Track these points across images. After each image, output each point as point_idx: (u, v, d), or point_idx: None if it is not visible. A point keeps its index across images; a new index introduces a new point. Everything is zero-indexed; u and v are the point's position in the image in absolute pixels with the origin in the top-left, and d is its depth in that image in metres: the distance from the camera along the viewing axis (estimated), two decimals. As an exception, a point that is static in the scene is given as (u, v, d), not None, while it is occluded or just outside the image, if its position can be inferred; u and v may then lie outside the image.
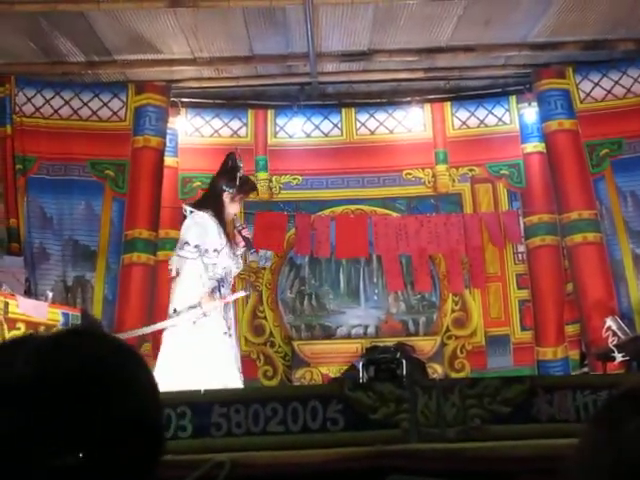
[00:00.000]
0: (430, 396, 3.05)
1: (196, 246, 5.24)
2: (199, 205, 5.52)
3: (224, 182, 5.47)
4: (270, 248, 7.82)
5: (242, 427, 3.02)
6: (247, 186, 5.60)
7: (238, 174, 5.50)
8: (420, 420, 3.01)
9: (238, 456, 2.88)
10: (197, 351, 5.10)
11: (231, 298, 5.49)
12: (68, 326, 6.18)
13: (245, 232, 5.54)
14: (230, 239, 5.48)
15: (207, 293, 5.24)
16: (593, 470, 1.06)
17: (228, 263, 5.43)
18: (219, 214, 5.42)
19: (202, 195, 5.87)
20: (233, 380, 5.12)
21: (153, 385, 1.14)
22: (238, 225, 5.58)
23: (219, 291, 5.33)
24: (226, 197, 5.43)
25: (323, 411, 3.03)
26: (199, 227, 5.35)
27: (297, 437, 3.00)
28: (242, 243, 5.50)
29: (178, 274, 5.35)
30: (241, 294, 5.74)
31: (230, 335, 5.33)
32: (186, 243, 5.28)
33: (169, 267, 5.52)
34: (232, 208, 5.47)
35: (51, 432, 0.98)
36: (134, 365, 1.13)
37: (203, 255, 5.28)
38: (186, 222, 5.45)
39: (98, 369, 1.06)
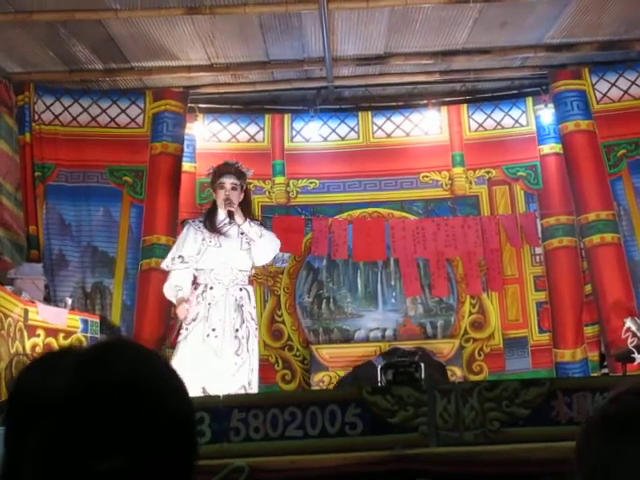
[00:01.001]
0: (449, 399, 3.04)
1: (172, 259, 5.50)
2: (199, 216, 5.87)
3: (209, 187, 5.78)
4: (288, 250, 7.90)
5: (260, 432, 3.02)
6: (217, 171, 5.69)
7: (211, 172, 5.72)
8: (439, 423, 3.00)
9: (257, 461, 2.89)
10: (182, 358, 5.24)
11: (185, 309, 5.52)
12: (104, 336, 6.30)
13: (229, 207, 5.55)
14: (220, 231, 5.54)
15: (178, 300, 5.42)
16: None
17: (212, 263, 5.48)
18: (210, 215, 5.58)
19: None
20: (220, 383, 5.12)
21: (187, 392, 1.17)
22: (228, 206, 5.58)
23: (202, 295, 5.43)
24: (214, 195, 5.62)
25: (342, 415, 3.03)
26: (178, 240, 5.64)
27: (315, 441, 3.00)
28: (239, 220, 5.50)
29: None
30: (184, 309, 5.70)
31: (216, 336, 5.35)
32: (170, 258, 5.58)
33: None
34: (219, 198, 5.58)
35: (97, 437, 1.01)
36: (169, 373, 1.17)
37: (171, 265, 5.52)
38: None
39: (139, 378, 1.10)
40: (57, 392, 1.04)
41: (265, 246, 5.59)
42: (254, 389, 5.32)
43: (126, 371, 1.09)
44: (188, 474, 1.12)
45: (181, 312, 5.44)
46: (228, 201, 5.51)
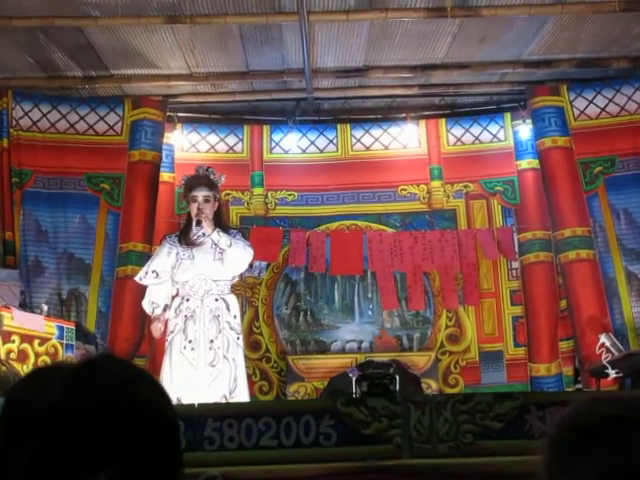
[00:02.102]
0: (423, 412, 3.06)
1: (145, 273, 5.57)
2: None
3: (183, 199, 5.84)
4: (265, 259, 7.93)
5: (235, 441, 3.03)
6: (188, 183, 5.72)
7: (183, 183, 5.77)
8: (413, 435, 3.02)
9: (231, 470, 2.89)
10: (163, 369, 5.32)
11: (156, 327, 5.58)
12: (79, 343, 6.37)
13: (202, 217, 5.58)
14: (192, 243, 5.57)
15: (153, 317, 5.51)
16: None
17: (186, 276, 5.51)
18: (185, 228, 5.63)
19: None
20: (193, 392, 5.15)
21: (170, 403, 1.20)
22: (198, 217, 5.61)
23: (179, 308, 5.50)
24: (188, 208, 5.65)
25: (316, 426, 3.05)
26: (156, 254, 5.74)
27: (290, 451, 3.01)
28: (208, 230, 5.53)
29: None
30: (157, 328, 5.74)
31: (192, 348, 5.38)
32: (144, 272, 5.66)
33: None
34: (192, 211, 5.60)
35: (85, 451, 1.03)
36: (154, 385, 1.19)
37: (144, 278, 5.62)
38: None
39: (125, 393, 1.11)
40: (46, 407, 1.05)
41: (235, 255, 5.57)
42: (239, 398, 5.32)
43: (113, 386, 1.11)
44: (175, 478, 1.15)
45: (154, 330, 5.56)
46: (200, 212, 5.53)
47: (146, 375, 1.20)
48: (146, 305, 5.62)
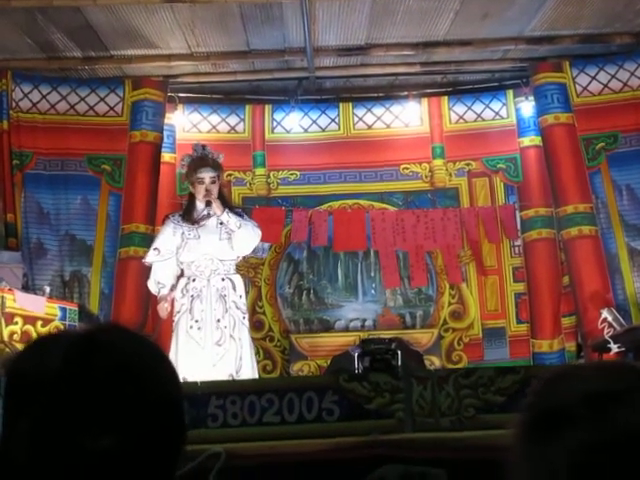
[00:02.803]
0: (425, 386, 3.06)
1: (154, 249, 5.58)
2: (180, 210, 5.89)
3: (185, 179, 5.79)
4: (268, 240, 7.91)
5: (238, 418, 3.03)
6: (192, 164, 5.68)
7: (185, 163, 5.72)
8: (415, 410, 3.03)
9: (234, 447, 2.90)
10: (173, 351, 5.33)
11: (162, 307, 5.59)
12: (82, 324, 6.31)
13: (207, 197, 5.59)
14: (199, 223, 5.58)
15: (160, 297, 5.52)
16: None
17: (192, 256, 5.52)
18: (188, 208, 5.62)
19: None
20: (201, 371, 5.16)
21: (176, 376, 1.22)
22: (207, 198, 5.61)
23: (185, 288, 5.50)
24: (191, 189, 5.63)
25: (319, 402, 3.05)
26: (160, 234, 5.73)
27: (293, 427, 3.02)
28: (218, 211, 5.54)
29: None
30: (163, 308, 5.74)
31: (199, 328, 5.39)
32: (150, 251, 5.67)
33: None
34: (198, 193, 5.59)
35: (87, 417, 1.04)
36: (160, 357, 1.21)
37: (149, 258, 5.65)
38: None
39: (129, 361, 1.13)
40: (50, 373, 1.07)
41: (245, 236, 5.60)
42: (245, 377, 5.35)
43: (116, 354, 1.12)
44: (176, 455, 1.16)
45: (161, 310, 5.56)
46: (208, 194, 5.53)
47: (151, 346, 1.22)
48: (152, 285, 5.63)
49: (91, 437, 1.03)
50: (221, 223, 5.55)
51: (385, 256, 8.04)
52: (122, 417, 1.06)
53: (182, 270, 5.61)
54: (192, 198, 5.69)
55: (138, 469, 1.08)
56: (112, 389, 1.07)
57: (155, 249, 5.58)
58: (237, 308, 5.57)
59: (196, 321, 5.42)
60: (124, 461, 1.05)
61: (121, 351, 1.14)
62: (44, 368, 1.08)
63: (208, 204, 5.54)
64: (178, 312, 5.48)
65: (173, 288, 5.57)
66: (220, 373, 5.28)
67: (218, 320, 5.45)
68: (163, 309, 5.52)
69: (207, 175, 5.55)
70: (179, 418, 1.17)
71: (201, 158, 5.70)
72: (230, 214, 5.55)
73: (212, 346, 5.40)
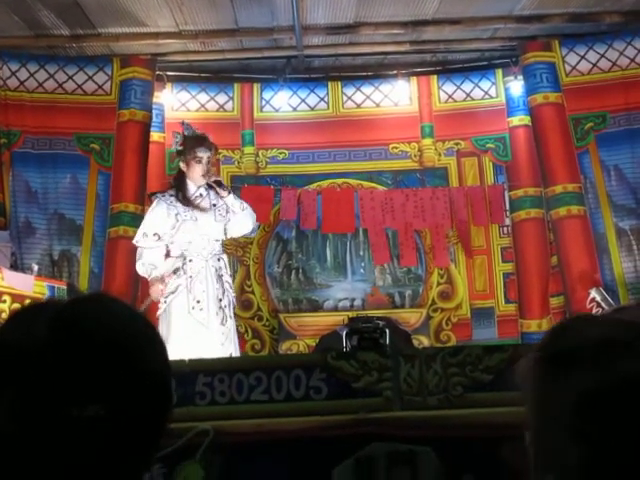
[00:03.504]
0: (413, 365, 3.07)
1: (144, 234, 5.45)
2: (167, 189, 5.71)
3: (177, 157, 5.62)
4: (257, 220, 7.87)
5: (226, 396, 3.03)
6: (190, 143, 5.61)
7: (178, 141, 5.60)
8: (403, 388, 3.03)
9: (222, 424, 2.90)
10: (164, 331, 5.23)
11: (153, 297, 5.54)
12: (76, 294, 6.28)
13: (213, 178, 5.56)
14: (211, 204, 5.55)
15: (152, 279, 5.42)
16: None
17: (189, 237, 5.47)
18: (180, 188, 5.53)
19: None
20: (206, 350, 5.15)
21: (163, 345, 1.21)
22: (208, 178, 5.58)
23: (182, 268, 5.43)
24: (183, 167, 5.53)
25: (306, 380, 3.05)
26: (151, 213, 5.54)
27: (281, 405, 3.02)
28: (224, 193, 5.53)
29: None
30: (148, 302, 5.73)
31: (201, 308, 5.37)
32: (141, 233, 5.51)
33: None
34: (194, 172, 5.52)
35: (72, 386, 1.04)
36: (146, 327, 1.20)
37: (143, 241, 5.49)
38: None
39: (118, 331, 1.13)
40: (36, 342, 1.06)
41: (246, 219, 5.64)
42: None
43: (104, 323, 1.12)
44: (161, 427, 1.15)
45: (155, 292, 5.44)
46: (208, 174, 5.50)
47: (140, 316, 1.21)
48: (140, 267, 5.55)
49: (77, 406, 1.03)
50: (214, 205, 5.52)
51: (374, 234, 8.04)
52: (109, 386, 1.06)
53: (168, 250, 5.54)
54: (182, 177, 5.62)
55: (122, 439, 1.07)
56: (99, 358, 1.07)
57: (155, 234, 5.47)
58: (230, 287, 5.59)
59: (197, 302, 5.39)
60: (109, 430, 1.05)
61: (108, 320, 1.13)
62: (30, 337, 1.07)
63: (219, 184, 5.52)
64: (172, 293, 5.42)
65: (164, 267, 5.51)
66: (227, 352, 5.30)
67: (220, 299, 5.45)
68: (158, 291, 5.44)
69: (205, 155, 5.49)
70: (164, 390, 1.17)
71: (198, 137, 5.64)
72: (234, 196, 5.57)
73: (218, 326, 5.40)
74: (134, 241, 5.63)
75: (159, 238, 5.44)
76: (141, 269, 5.55)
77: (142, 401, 1.10)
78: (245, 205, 5.62)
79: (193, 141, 5.59)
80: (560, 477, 1.11)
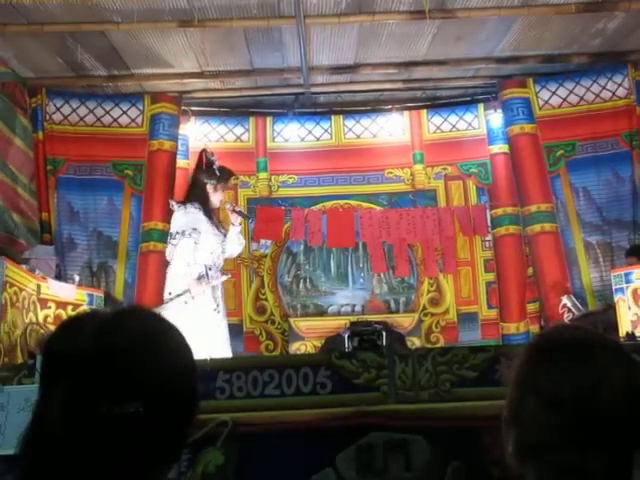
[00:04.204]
0: (406, 363, 3.05)
1: (183, 232, 5.35)
2: (187, 199, 5.63)
3: (204, 176, 5.58)
4: (269, 238, 7.91)
5: (243, 391, 3.02)
6: (226, 174, 5.62)
7: (215, 167, 5.57)
8: (398, 384, 3.02)
9: (239, 416, 2.89)
10: (189, 327, 5.14)
11: (217, 281, 5.54)
12: (115, 306, 6.26)
13: (237, 207, 5.61)
14: (218, 225, 5.55)
15: (194, 279, 5.35)
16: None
17: (215, 247, 5.46)
18: (204, 205, 5.51)
19: (188, 191, 5.85)
20: (221, 349, 5.15)
21: (190, 349, 1.21)
22: (229, 206, 5.59)
23: (207, 275, 5.39)
24: (209, 188, 5.52)
25: (313, 377, 3.04)
26: (188, 216, 5.45)
27: (291, 399, 3.01)
28: (238, 220, 5.54)
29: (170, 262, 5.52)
30: (224, 277, 5.71)
31: (218, 312, 5.38)
32: (177, 232, 5.39)
33: (166, 255, 5.66)
34: (216, 197, 5.53)
35: (113, 387, 1.06)
36: (176, 334, 1.21)
37: (189, 238, 5.37)
38: (176, 215, 5.53)
39: (150, 338, 1.14)
40: (82, 349, 1.08)
41: (237, 250, 5.82)
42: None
43: (140, 332, 1.13)
44: (189, 421, 1.17)
45: (198, 290, 5.36)
46: (228, 204, 5.56)
47: (171, 326, 1.22)
48: (191, 266, 5.43)
49: (115, 404, 1.04)
50: (218, 226, 5.55)
51: (373, 247, 8.03)
52: (145, 386, 1.08)
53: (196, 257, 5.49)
54: (207, 195, 5.56)
55: (157, 433, 1.08)
56: (136, 362, 1.08)
57: (194, 229, 5.39)
58: (222, 297, 5.63)
59: (217, 305, 5.41)
60: (146, 425, 1.06)
61: (144, 329, 1.14)
62: (77, 344, 1.08)
63: (241, 213, 5.58)
64: (192, 298, 5.38)
65: (207, 269, 5.42)
66: (228, 349, 5.30)
67: (218, 305, 5.48)
68: (200, 289, 5.36)
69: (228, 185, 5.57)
70: (192, 388, 1.18)
71: (231, 171, 5.68)
72: (240, 229, 5.67)
73: (225, 328, 5.43)
74: (171, 242, 5.49)
75: (199, 237, 5.39)
76: (191, 269, 5.42)
77: (173, 399, 1.11)
78: (242, 241, 5.75)
79: (228, 173, 5.61)
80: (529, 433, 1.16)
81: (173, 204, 5.72)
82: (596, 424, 1.10)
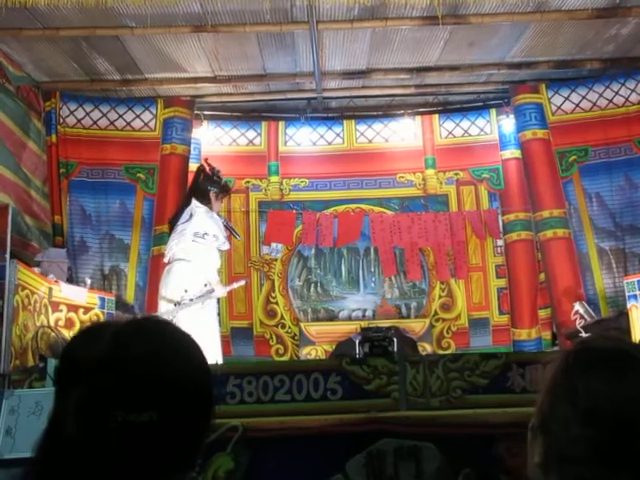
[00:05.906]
0: (418, 370, 3.04)
1: (214, 235, 5.31)
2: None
3: (208, 184, 5.51)
4: (280, 241, 7.92)
5: (253, 396, 3.02)
6: (227, 187, 5.66)
7: (220, 175, 5.57)
8: (409, 390, 3.00)
9: (250, 421, 2.88)
10: (209, 327, 5.15)
11: (236, 285, 5.55)
12: (119, 312, 6.35)
13: (230, 224, 5.62)
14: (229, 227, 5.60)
15: (217, 281, 5.32)
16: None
17: (216, 253, 5.46)
18: (210, 209, 5.53)
19: (192, 197, 5.64)
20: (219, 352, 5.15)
21: (204, 357, 1.21)
22: (222, 220, 5.57)
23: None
24: (212, 195, 5.47)
25: (324, 382, 3.04)
26: (214, 220, 5.42)
27: (301, 405, 3.00)
28: (227, 234, 5.54)
29: (170, 261, 5.41)
30: (242, 283, 5.73)
31: (219, 314, 5.43)
32: (205, 234, 5.31)
33: (165, 254, 5.60)
34: (216, 206, 5.49)
35: (128, 395, 1.05)
36: (189, 343, 1.20)
37: (216, 241, 5.38)
38: (201, 215, 5.39)
39: (167, 349, 1.14)
40: (97, 357, 1.07)
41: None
42: None
43: (154, 342, 1.13)
44: (204, 428, 1.16)
45: (223, 292, 5.43)
46: (222, 217, 5.57)
47: (185, 335, 1.21)
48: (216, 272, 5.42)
49: (131, 412, 1.04)
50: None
51: (384, 251, 8.03)
52: (160, 395, 1.07)
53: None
54: (209, 199, 5.52)
55: (172, 441, 1.08)
56: (151, 370, 1.08)
57: (214, 235, 5.36)
58: None
59: (218, 311, 5.45)
60: (161, 433, 1.06)
61: (158, 339, 1.14)
62: (93, 352, 1.08)
63: (226, 227, 5.55)
64: (212, 297, 5.35)
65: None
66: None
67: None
68: (224, 292, 5.45)
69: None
70: (207, 397, 1.17)
71: (229, 189, 5.75)
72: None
73: (219, 332, 5.47)
74: (195, 240, 5.35)
75: (217, 239, 5.40)
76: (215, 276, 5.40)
77: (189, 407, 1.10)
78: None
79: (228, 187, 5.68)
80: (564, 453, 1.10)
81: (197, 204, 5.51)
82: (633, 441, 1.06)
